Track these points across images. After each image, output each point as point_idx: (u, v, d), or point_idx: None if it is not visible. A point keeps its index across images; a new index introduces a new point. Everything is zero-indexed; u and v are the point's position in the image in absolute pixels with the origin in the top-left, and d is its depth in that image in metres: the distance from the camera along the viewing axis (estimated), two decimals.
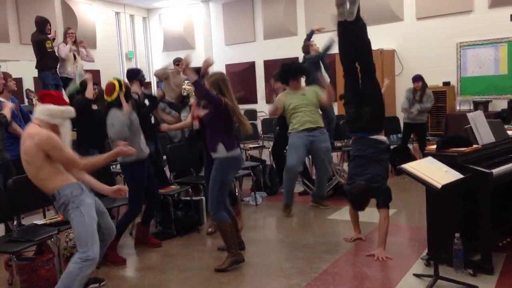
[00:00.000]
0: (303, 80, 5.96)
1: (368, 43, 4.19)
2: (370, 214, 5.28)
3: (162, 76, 7.84)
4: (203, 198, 5.27)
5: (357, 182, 4.01)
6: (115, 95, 4.18)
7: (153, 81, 13.83)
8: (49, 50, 7.22)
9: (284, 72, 5.64)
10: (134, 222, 4.87)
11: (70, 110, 3.26)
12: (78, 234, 3.11)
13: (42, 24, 7.31)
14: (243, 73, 12.50)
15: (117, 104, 4.20)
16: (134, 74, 5.28)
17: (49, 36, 7.24)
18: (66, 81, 7.44)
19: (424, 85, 7.32)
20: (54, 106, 3.15)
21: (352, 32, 4.07)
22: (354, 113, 4.17)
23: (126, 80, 4.97)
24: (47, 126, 3.12)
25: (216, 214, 3.94)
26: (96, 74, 10.43)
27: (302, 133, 5.43)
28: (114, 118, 4.13)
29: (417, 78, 7.30)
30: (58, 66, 7.44)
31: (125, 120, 4.16)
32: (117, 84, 4.22)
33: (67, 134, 3.22)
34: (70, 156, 3.10)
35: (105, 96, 4.27)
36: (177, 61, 7.62)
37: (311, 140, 5.46)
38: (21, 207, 4.02)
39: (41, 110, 3.13)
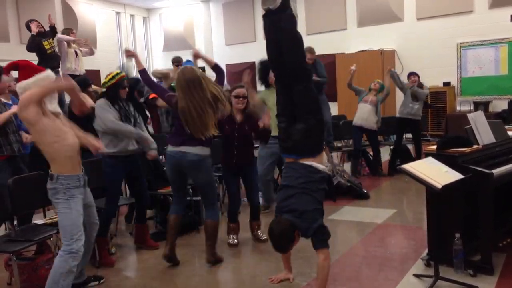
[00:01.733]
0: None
1: (298, 39, 3.26)
2: (370, 214, 5.30)
3: (160, 76, 7.78)
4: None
5: (281, 216, 3.19)
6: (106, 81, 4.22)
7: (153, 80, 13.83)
8: (48, 51, 7.18)
9: (265, 68, 5.35)
10: (133, 222, 4.87)
11: (44, 76, 3.25)
12: (64, 226, 3.15)
13: (28, 27, 7.22)
14: (243, 73, 12.49)
15: (107, 94, 4.21)
16: (134, 83, 5.33)
17: (33, 31, 7.10)
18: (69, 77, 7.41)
19: (419, 81, 7.34)
20: (27, 80, 3.19)
21: (278, 23, 3.20)
22: (285, 129, 3.31)
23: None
24: (31, 102, 3.08)
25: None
26: (96, 73, 10.44)
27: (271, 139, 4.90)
28: (100, 109, 4.15)
29: (414, 74, 7.29)
30: (60, 64, 7.41)
31: (112, 111, 4.15)
32: (113, 74, 4.23)
33: (53, 98, 3.26)
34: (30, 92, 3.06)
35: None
36: (177, 61, 7.61)
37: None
38: (21, 207, 4.02)
39: (19, 91, 3.19)
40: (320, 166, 3.26)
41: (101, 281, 3.81)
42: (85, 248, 3.32)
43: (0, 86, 4.51)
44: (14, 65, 3.27)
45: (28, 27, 7.16)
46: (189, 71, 3.83)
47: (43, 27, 7.23)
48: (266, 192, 5.61)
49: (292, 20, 3.25)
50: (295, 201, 3.16)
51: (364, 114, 7.05)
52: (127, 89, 4.36)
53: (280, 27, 3.19)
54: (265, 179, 5.51)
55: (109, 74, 4.25)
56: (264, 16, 3.28)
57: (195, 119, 3.78)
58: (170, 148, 4.00)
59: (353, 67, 7.14)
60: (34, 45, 7.04)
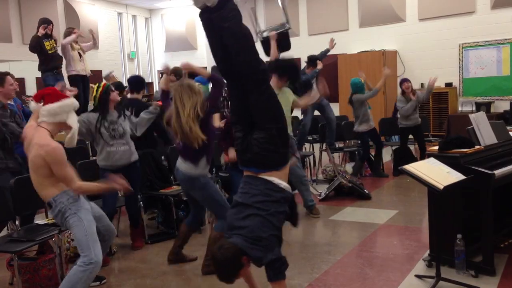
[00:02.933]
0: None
1: (246, 36, 2.76)
2: (372, 215, 5.30)
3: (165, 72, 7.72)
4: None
5: (227, 240, 2.67)
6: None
7: (155, 81, 13.86)
8: (50, 51, 7.18)
9: (284, 68, 5.16)
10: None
11: (69, 103, 3.21)
12: (79, 239, 3.10)
13: (38, 26, 7.26)
14: None
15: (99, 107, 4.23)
16: (141, 85, 5.34)
17: (38, 34, 7.14)
18: (75, 78, 7.43)
19: (413, 89, 7.32)
20: (52, 104, 3.13)
21: (220, 22, 2.69)
22: (243, 139, 2.83)
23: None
24: (55, 126, 3.12)
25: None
26: (98, 74, 10.46)
27: None
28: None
29: (407, 80, 7.25)
30: (63, 65, 7.42)
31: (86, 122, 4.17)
32: (95, 88, 4.28)
33: (75, 124, 3.23)
34: (69, 175, 3.06)
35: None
36: (178, 75, 7.61)
37: None
38: (23, 207, 4.03)
39: (43, 113, 3.12)
40: (283, 184, 2.78)
41: (103, 281, 3.81)
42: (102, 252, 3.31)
43: (4, 91, 4.50)
44: (41, 95, 3.31)
45: (38, 27, 7.20)
46: (180, 82, 3.72)
47: (51, 30, 7.28)
48: None
49: (236, 15, 2.74)
50: (249, 223, 2.65)
51: (371, 119, 7.18)
52: (116, 92, 4.39)
53: (222, 26, 2.68)
54: None
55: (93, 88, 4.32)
56: (201, 15, 2.76)
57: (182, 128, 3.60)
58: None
59: (387, 71, 7.23)
60: (36, 45, 7.06)
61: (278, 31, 5.82)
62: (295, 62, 5.43)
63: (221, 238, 3.82)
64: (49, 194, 3.11)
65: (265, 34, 5.96)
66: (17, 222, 4.16)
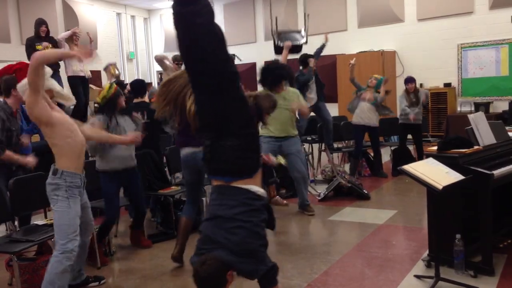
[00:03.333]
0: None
1: (217, 34, 2.51)
2: (371, 215, 5.30)
3: (161, 60, 7.55)
4: (204, 199, 5.26)
5: (209, 254, 2.50)
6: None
7: (154, 81, 13.85)
8: None
9: (266, 76, 5.20)
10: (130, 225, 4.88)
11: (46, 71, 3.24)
12: (60, 225, 3.12)
13: (36, 26, 7.25)
14: (244, 74, 12.47)
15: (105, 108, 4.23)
16: (145, 89, 5.41)
17: (42, 37, 7.14)
18: (75, 79, 7.43)
19: (416, 87, 7.33)
20: (24, 80, 3.21)
21: (192, 18, 2.43)
22: (212, 146, 2.63)
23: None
24: (35, 96, 3.02)
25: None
26: (97, 74, 10.46)
27: (269, 139, 5.23)
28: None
29: (410, 80, 7.28)
30: (66, 68, 7.43)
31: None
32: (106, 88, 4.28)
33: (57, 87, 3.30)
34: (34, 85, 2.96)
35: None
36: (177, 60, 7.57)
37: (279, 145, 5.29)
38: (21, 208, 4.03)
39: (19, 90, 3.15)
40: (260, 190, 2.63)
41: (102, 281, 3.81)
42: (80, 249, 3.33)
43: (14, 100, 4.34)
44: (12, 70, 3.34)
45: (36, 28, 7.22)
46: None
47: (45, 32, 7.27)
48: None
49: (210, 12, 2.48)
50: (235, 237, 2.48)
51: (363, 113, 7.03)
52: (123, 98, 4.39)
53: (195, 22, 2.42)
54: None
55: (103, 89, 4.29)
56: (173, 9, 2.48)
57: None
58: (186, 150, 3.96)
59: (352, 61, 7.14)
60: (29, 47, 7.09)
61: (293, 43, 6.02)
62: (270, 65, 5.38)
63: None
64: (62, 165, 3.14)
65: (280, 43, 6.19)
66: (16, 223, 4.16)
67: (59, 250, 3.08)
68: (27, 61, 5.97)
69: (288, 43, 6.16)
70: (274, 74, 5.17)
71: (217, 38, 2.50)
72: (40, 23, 7.27)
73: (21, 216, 4.25)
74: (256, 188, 2.61)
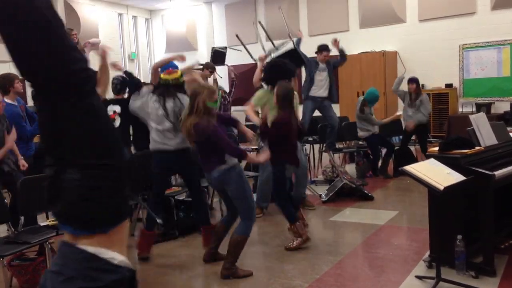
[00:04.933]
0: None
1: (55, 22, 1.54)
2: (373, 216, 5.30)
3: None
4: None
5: None
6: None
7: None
8: None
9: (273, 75, 4.94)
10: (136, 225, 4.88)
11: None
12: None
13: None
14: (245, 75, 12.47)
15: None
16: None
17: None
18: None
19: (418, 89, 7.33)
20: None
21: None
22: (54, 179, 1.67)
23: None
24: None
25: None
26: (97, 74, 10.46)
27: None
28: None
29: (413, 81, 7.28)
30: None
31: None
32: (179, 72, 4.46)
33: None
34: None
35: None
36: (211, 68, 7.51)
37: None
38: (28, 208, 4.02)
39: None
40: (117, 257, 1.61)
41: None
42: None
43: (14, 90, 4.57)
44: None
45: None
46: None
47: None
48: (263, 196, 5.50)
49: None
50: None
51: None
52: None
53: (30, 6, 1.46)
54: (266, 185, 5.30)
55: (175, 72, 4.41)
56: None
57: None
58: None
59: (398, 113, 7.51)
60: None
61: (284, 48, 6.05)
62: (277, 63, 5.20)
63: (239, 241, 3.83)
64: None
65: (273, 55, 6.26)
66: (21, 222, 4.15)
67: None
68: None
69: (262, 55, 6.21)
70: (283, 70, 4.93)
71: (52, 26, 1.54)
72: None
73: (27, 216, 4.25)
74: (110, 254, 1.60)
